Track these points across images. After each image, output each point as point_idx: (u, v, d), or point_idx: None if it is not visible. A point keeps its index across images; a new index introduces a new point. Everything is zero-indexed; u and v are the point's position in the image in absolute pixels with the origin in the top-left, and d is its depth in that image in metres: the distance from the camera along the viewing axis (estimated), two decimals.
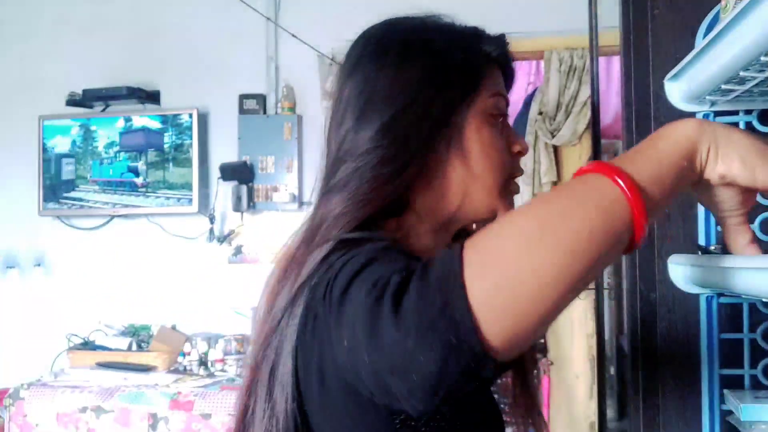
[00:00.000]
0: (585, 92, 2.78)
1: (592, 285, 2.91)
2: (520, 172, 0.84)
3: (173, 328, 3.00)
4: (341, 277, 0.61)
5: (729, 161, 0.59)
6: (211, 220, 3.00)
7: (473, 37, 0.83)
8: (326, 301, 0.62)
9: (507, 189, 0.81)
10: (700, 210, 1.03)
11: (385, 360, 0.51)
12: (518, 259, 0.49)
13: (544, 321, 0.50)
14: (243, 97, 3.01)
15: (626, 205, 0.52)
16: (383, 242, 0.68)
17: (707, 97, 0.97)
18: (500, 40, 0.84)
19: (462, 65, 0.79)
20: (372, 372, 0.54)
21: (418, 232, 0.79)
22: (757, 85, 0.87)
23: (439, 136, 0.78)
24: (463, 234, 0.85)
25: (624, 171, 0.53)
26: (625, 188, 0.52)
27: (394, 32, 0.82)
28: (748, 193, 0.64)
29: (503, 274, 0.49)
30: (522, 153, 0.83)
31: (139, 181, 3.07)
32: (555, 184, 3.03)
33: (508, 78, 0.87)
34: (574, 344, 3.11)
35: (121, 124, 3.10)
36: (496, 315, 0.48)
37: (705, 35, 1.00)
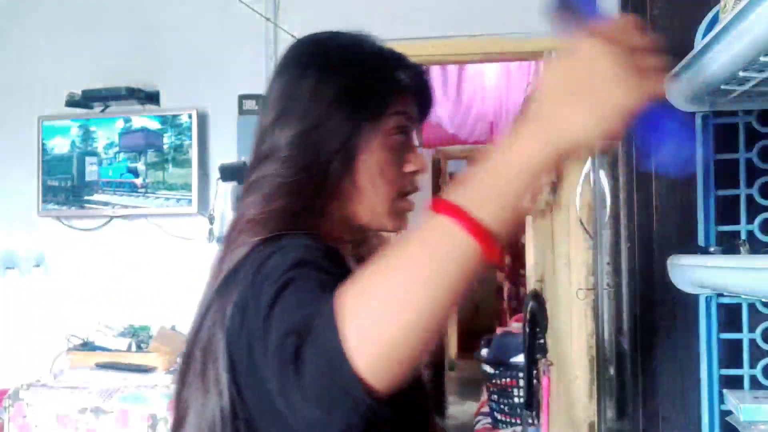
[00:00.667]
0: None
1: (591, 286, 2.90)
2: (414, 189, 0.88)
3: (173, 328, 3.00)
4: (267, 286, 0.66)
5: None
6: (211, 220, 3.00)
7: (391, 62, 0.87)
8: (252, 306, 0.68)
9: (396, 207, 0.86)
10: (700, 211, 1.03)
11: (297, 417, 0.60)
12: (386, 323, 0.55)
13: (422, 354, 0.57)
14: (242, 98, 3.01)
15: (477, 248, 0.55)
16: (301, 241, 0.74)
17: (707, 98, 0.97)
18: (415, 69, 0.88)
19: (373, 90, 0.84)
20: (290, 417, 0.62)
21: (331, 233, 0.85)
22: (756, 85, 0.87)
23: (345, 153, 0.82)
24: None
25: (474, 219, 0.55)
26: (476, 238, 0.55)
27: (321, 46, 0.89)
28: None
29: (378, 340, 0.55)
30: (418, 172, 0.88)
31: (138, 181, 3.07)
32: (554, 184, 3.03)
33: (425, 105, 0.91)
34: (574, 345, 3.10)
35: (120, 124, 3.10)
36: (381, 373, 0.55)
37: (704, 36, 1.00)
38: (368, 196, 0.84)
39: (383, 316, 0.55)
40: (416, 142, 0.91)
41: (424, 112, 0.91)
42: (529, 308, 3.50)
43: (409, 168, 0.87)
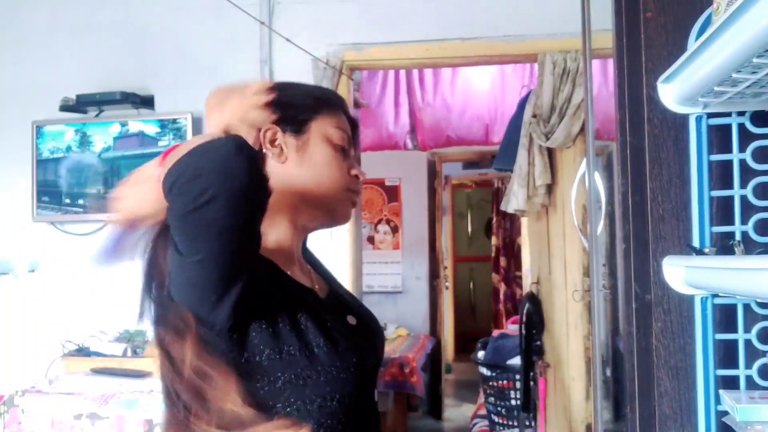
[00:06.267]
0: (579, 95, 2.79)
1: (587, 287, 2.89)
2: (358, 187, 1.10)
3: None
4: None
5: None
6: None
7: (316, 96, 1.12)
8: None
9: (344, 196, 1.08)
10: (694, 212, 1.04)
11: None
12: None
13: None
14: None
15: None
16: None
17: (700, 99, 0.98)
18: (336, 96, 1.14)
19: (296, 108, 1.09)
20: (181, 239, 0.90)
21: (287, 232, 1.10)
22: (749, 86, 0.87)
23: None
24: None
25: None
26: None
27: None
28: None
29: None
30: (359, 177, 1.09)
31: None
32: (549, 186, 3.03)
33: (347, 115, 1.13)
34: (570, 346, 3.11)
35: (116, 129, 3.09)
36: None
37: (698, 37, 1.01)
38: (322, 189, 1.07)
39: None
40: (353, 153, 1.12)
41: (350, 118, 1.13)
42: (525, 310, 3.50)
43: (353, 172, 1.08)
